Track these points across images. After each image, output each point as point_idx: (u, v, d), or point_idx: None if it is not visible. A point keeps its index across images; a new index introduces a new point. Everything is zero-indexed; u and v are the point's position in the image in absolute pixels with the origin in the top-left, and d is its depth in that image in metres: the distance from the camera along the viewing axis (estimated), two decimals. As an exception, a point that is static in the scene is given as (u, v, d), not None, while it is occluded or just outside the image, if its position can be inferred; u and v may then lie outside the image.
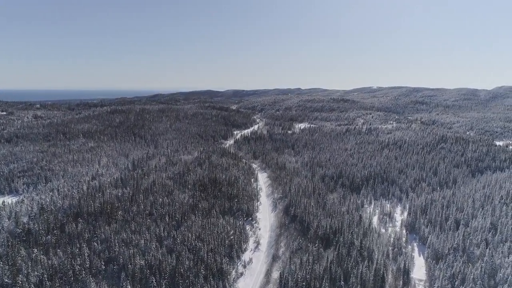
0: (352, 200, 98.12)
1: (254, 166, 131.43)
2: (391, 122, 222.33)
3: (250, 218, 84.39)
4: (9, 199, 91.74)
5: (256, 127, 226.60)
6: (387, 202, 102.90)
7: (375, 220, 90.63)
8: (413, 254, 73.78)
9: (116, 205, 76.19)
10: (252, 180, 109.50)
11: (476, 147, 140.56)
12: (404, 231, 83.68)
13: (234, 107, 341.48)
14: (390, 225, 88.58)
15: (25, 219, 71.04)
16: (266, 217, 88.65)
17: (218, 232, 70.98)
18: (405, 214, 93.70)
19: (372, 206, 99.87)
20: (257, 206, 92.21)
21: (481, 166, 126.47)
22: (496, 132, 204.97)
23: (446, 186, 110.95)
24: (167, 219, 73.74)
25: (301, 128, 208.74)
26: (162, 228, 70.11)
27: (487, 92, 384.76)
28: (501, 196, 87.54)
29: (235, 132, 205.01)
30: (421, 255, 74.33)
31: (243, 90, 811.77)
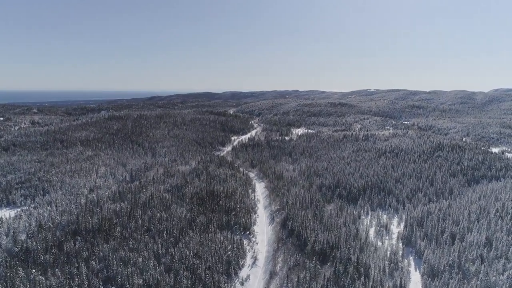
0: (349, 212, 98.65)
1: (251, 175, 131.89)
2: (388, 127, 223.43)
3: (248, 232, 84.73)
4: (7, 212, 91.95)
5: (253, 132, 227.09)
6: (383, 213, 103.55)
7: (371, 232, 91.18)
8: (409, 269, 74.45)
9: (114, 221, 76.39)
10: (250, 191, 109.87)
11: (472, 155, 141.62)
12: (400, 244, 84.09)
13: (232, 111, 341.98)
14: (387, 237, 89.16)
15: (23, 237, 71.23)
16: (263, 230, 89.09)
17: (215, 249, 71.38)
18: (402, 226, 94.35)
19: (369, 217, 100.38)
20: (255, 219, 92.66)
21: (477, 175, 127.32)
22: (492, 138, 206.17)
23: (442, 197, 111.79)
24: (165, 235, 74.06)
25: (299, 134, 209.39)
26: (160, 245, 70.41)
27: (483, 96, 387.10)
28: (497, 209, 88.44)
29: (232, 138, 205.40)
30: (417, 270, 74.91)
31: (241, 92, 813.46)
